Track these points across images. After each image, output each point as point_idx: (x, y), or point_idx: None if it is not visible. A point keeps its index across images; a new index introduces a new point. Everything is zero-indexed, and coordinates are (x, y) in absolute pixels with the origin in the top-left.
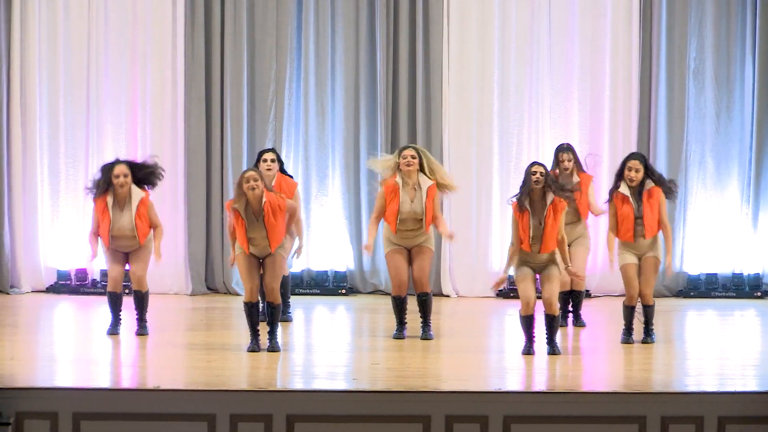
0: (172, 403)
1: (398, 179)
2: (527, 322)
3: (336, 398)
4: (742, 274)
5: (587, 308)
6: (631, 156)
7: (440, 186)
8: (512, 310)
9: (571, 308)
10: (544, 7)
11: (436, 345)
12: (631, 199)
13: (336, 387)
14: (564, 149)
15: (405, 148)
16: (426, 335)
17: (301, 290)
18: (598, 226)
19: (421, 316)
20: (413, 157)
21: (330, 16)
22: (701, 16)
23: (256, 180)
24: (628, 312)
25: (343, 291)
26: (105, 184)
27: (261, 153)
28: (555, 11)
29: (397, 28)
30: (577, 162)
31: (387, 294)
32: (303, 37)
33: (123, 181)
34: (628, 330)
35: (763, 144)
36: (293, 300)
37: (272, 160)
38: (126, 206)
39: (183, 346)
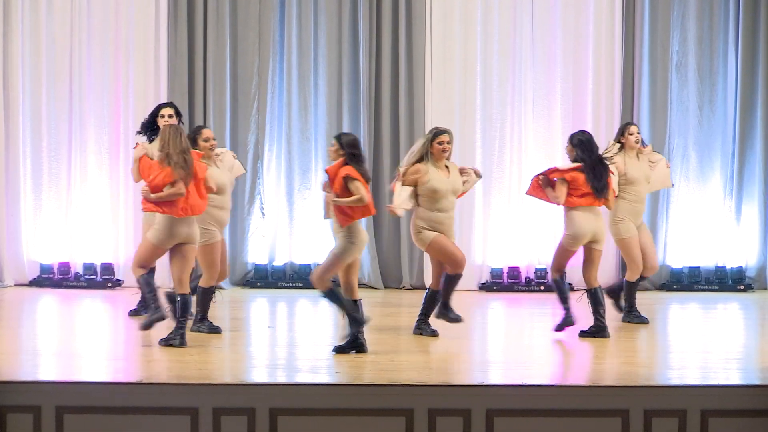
0: (155, 396)
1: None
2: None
3: (319, 392)
4: (725, 267)
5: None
6: (630, 123)
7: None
8: (495, 303)
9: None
10: (527, 0)
11: (419, 338)
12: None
13: (319, 380)
14: (633, 123)
15: (441, 132)
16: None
17: (284, 283)
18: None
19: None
20: (449, 143)
21: (312, 9)
22: (684, 9)
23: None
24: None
25: None
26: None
27: (158, 108)
28: (538, 4)
29: (380, 22)
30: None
31: (370, 287)
32: (286, 31)
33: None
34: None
35: (745, 137)
36: (277, 293)
37: (170, 116)
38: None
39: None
